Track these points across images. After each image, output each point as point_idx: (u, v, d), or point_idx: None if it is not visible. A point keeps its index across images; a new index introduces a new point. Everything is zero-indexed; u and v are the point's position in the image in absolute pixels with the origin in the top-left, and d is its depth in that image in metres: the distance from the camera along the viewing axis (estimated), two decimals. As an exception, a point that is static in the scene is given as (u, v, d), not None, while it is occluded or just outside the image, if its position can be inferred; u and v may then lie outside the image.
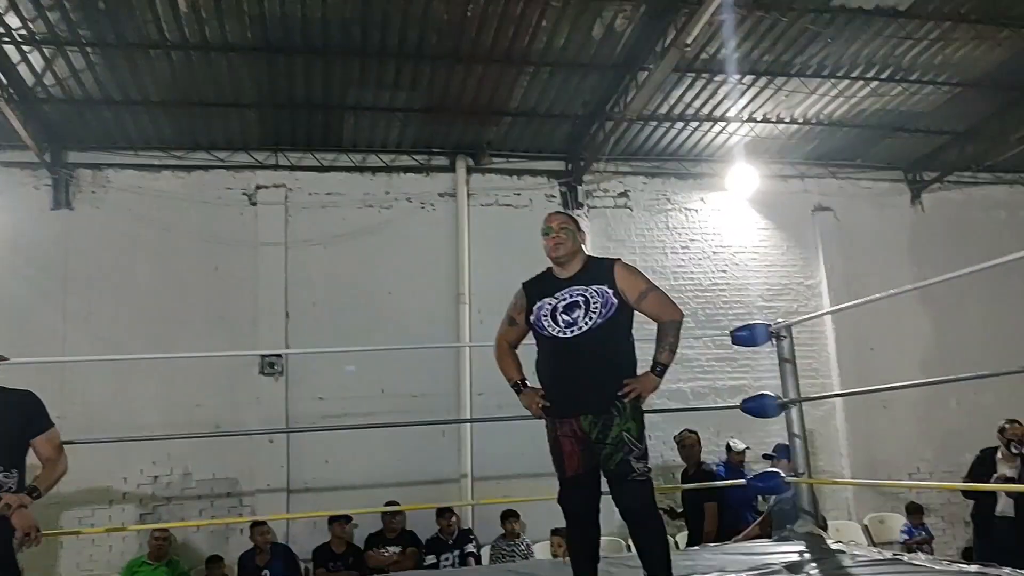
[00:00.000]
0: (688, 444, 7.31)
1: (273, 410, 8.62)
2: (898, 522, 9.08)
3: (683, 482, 7.28)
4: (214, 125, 8.67)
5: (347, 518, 7.90)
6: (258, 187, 9.17)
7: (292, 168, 9.26)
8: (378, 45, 7.41)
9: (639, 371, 3.56)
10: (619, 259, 3.72)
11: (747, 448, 8.06)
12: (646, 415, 3.58)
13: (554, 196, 9.73)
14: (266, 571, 7.63)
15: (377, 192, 9.46)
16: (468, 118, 8.87)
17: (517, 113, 8.79)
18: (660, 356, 3.56)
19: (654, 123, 9.13)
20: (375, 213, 9.40)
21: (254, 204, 9.15)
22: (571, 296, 3.59)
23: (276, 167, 9.22)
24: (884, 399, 9.50)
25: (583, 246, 3.78)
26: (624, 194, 9.99)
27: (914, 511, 8.84)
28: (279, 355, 8.70)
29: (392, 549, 7.89)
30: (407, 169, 9.56)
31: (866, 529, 9.23)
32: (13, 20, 6.50)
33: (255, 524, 7.75)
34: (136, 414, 8.03)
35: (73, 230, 8.66)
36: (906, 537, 8.69)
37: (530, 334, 3.75)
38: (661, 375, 3.54)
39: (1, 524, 4.09)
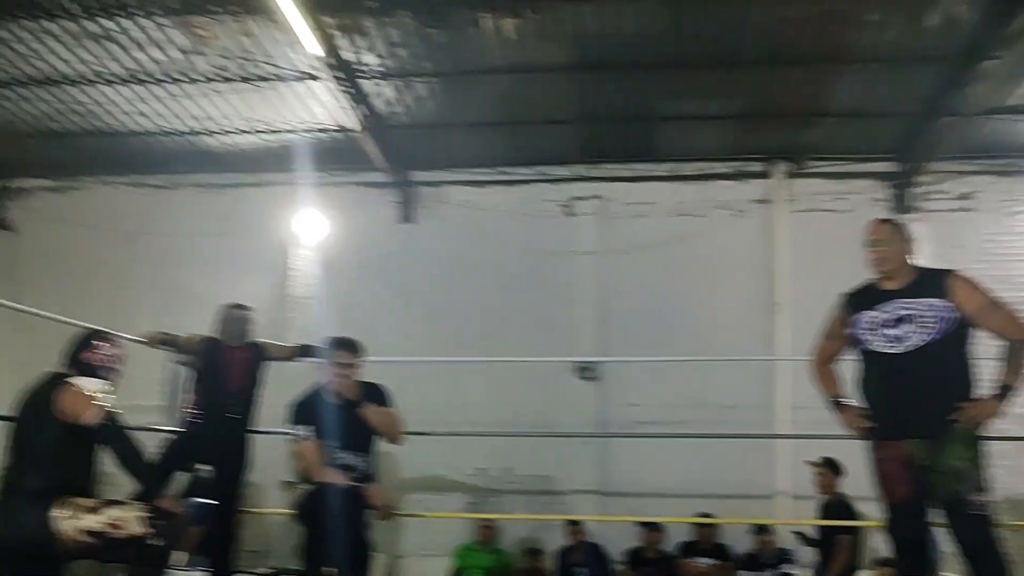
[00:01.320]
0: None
1: (588, 413, 8.97)
2: None
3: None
4: (535, 141, 9.20)
5: (656, 526, 7.98)
6: (575, 198, 9.58)
7: (607, 179, 9.55)
8: (691, 55, 7.43)
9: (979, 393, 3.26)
10: (955, 270, 3.43)
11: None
12: (988, 442, 3.26)
13: (881, 200, 9.06)
14: (580, 568, 7.94)
15: (690, 200, 9.45)
16: (785, 122, 8.59)
17: (839, 114, 8.34)
18: (1005, 377, 3.22)
19: (1002, 117, 8.17)
20: (688, 221, 9.40)
21: (571, 215, 9.57)
22: (899, 310, 3.37)
23: (592, 179, 9.56)
24: None
25: (911, 255, 3.53)
26: (966, 196, 9.04)
27: None
28: (594, 362, 9.02)
29: (706, 560, 7.84)
30: (720, 177, 9.45)
31: None
32: (370, 58, 7.40)
33: (570, 522, 8.11)
34: (467, 411, 8.72)
35: (416, 242, 9.64)
36: None
37: (852, 349, 3.58)
38: (1004, 399, 3.20)
39: (357, 500, 4.72)
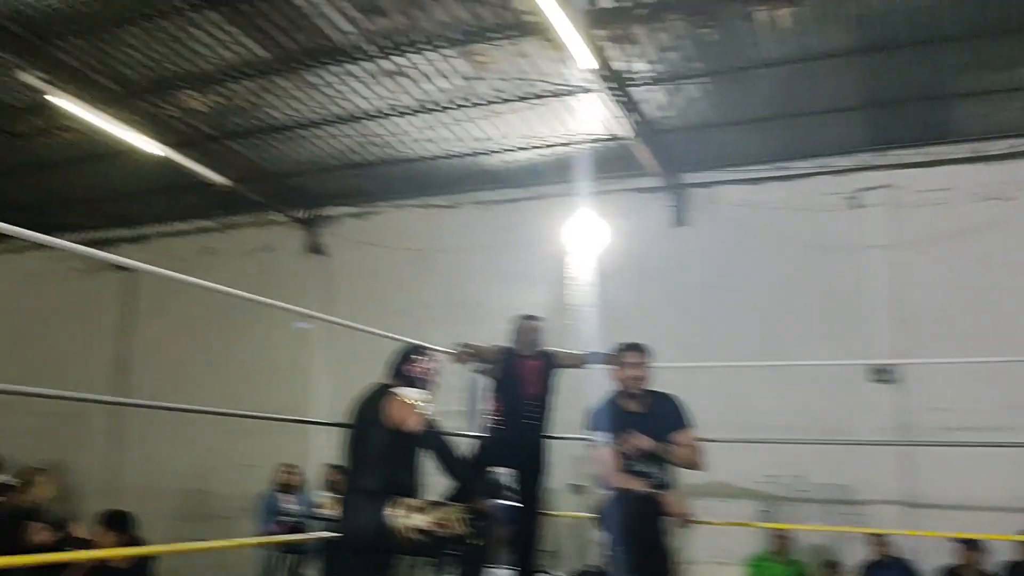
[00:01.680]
0: None
1: (885, 418, 8.36)
2: None
3: None
4: (815, 132, 8.75)
5: (975, 543, 7.26)
6: (861, 189, 8.99)
7: (897, 166, 8.87)
8: (992, 22, 6.72)
9: None
10: None
11: None
12: None
13: None
14: (885, 585, 7.44)
15: (995, 183, 8.55)
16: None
17: None
18: None
19: None
20: (994, 206, 8.50)
21: (857, 207, 9.00)
22: None
23: (879, 167, 8.94)
24: None
25: None
26: None
27: None
28: (891, 364, 8.40)
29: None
30: (1032, 154, 8.46)
31: None
32: (641, 65, 7.44)
33: (873, 535, 7.61)
34: (751, 415, 8.48)
35: (691, 245, 9.53)
36: None
37: None
38: None
39: (654, 507, 4.75)
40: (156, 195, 10.79)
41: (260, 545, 8.62)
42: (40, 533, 6.11)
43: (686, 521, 4.78)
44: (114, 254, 8.22)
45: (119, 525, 6.16)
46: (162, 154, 9.07)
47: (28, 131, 8.79)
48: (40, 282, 12.15)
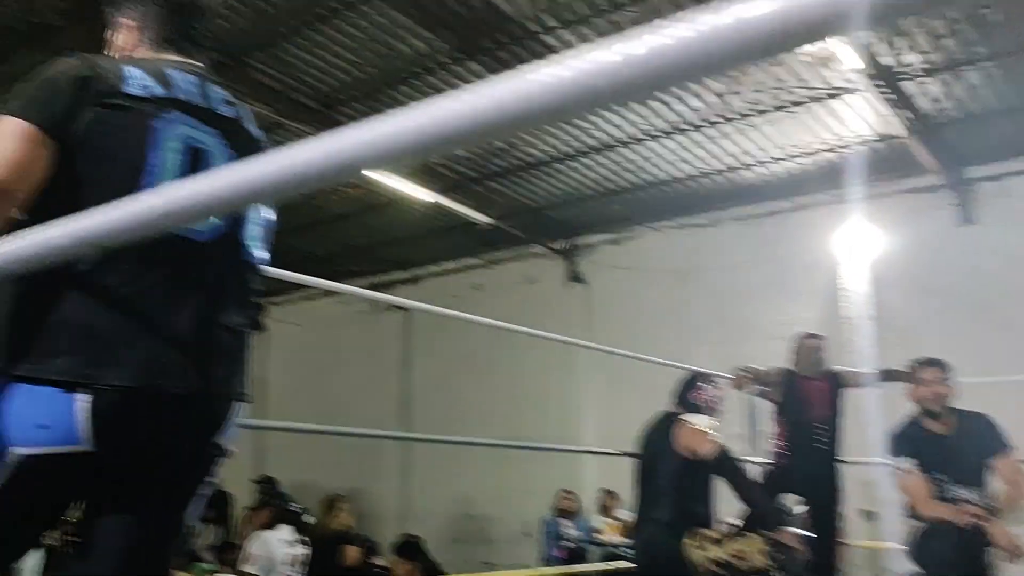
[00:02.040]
0: None
1: None
2: None
3: None
4: None
5: None
6: None
7: None
8: None
9: None
10: None
11: None
12: None
13: None
14: None
15: None
16: None
17: None
18: None
19: None
20: None
21: None
22: None
23: None
24: None
25: None
26: None
27: None
28: None
29: None
30: None
31: None
32: (912, 57, 6.91)
33: None
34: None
35: (981, 245, 8.64)
36: None
37: None
38: None
39: (977, 539, 4.32)
40: (427, 238, 11.53)
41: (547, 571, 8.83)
42: (352, 554, 6.69)
43: (1017, 555, 4.29)
44: (393, 296, 8.91)
45: (413, 553, 6.59)
46: (432, 200, 9.70)
47: (319, 190, 9.74)
48: (332, 325, 13.39)
